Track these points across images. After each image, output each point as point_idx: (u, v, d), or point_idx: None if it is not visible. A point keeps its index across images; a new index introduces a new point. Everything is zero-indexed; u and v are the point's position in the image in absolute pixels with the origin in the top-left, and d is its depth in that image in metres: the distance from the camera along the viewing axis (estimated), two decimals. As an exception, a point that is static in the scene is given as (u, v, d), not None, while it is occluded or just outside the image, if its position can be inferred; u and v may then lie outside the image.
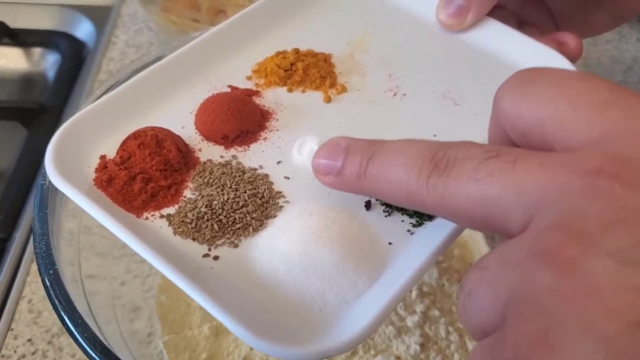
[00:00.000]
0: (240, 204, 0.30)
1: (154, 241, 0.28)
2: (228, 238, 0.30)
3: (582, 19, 0.42)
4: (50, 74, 0.71)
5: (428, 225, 0.30)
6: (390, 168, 0.24)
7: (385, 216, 0.30)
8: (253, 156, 0.34)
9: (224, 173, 0.32)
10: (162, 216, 0.31)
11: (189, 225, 0.30)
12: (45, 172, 0.36)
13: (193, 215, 0.30)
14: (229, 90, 0.37)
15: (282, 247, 0.28)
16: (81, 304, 0.35)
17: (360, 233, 0.29)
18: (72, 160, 0.32)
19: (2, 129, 0.64)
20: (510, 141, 0.24)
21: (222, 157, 0.34)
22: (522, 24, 0.42)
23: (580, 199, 0.18)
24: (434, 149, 0.23)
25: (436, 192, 0.22)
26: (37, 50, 0.74)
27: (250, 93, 0.37)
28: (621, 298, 0.16)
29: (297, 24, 0.41)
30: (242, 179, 0.32)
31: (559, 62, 0.36)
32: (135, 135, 0.33)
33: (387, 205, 0.31)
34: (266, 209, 0.31)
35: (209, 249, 0.29)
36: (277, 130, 0.35)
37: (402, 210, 0.30)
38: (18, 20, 0.73)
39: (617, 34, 0.72)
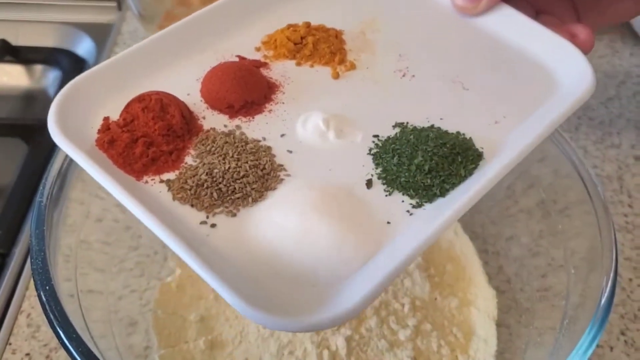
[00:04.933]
0: (241, 174, 0.31)
1: (152, 205, 0.28)
2: (227, 207, 0.30)
3: (606, 5, 0.41)
4: (52, 90, 0.73)
5: (428, 207, 0.30)
6: None
7: (386, 195, 0.30)
8: (257, 127, 0.34)
9: (226, 142, 0.32)
10: (161, 181, 0.31)
11: (188, 192, 0.30)
12: (43, 189, 0.37)
13: (193, 182, 0.30)
14: (237, 60, 0.37)
15: (279, 219, 0.29)
16: (77, 318, 0.36)
17: (359, 210, 0.29)
18: (75, 119, 0.32)
19: (3, 145, 0.64)
20: None
21: (225, 126, 0.34)
22: (540, 13, 0.41)
23: None
24: None
25: None
26: (38, 67, 0.75)
27: (258, 64, 0.37)
28: None
29: None
30: (244, 150, 0.32)
31: (571, 52, 0.35)
32: (140, 99, 0.33)
33: (388, 184, 0.31)
34: (267, 180, 0.31)
35: (207, 217, 0.29)
36: (283, 103, 0.35)
37: (404, 191, 0.30)
38: (20, 37, 0.75)
39: (610, 48, 0.72)
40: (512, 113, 0.34)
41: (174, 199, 0.30)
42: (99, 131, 0.32)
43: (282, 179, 0.31)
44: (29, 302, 0.49)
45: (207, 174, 0.30)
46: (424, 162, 0.30)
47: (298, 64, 0.38)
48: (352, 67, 0.37)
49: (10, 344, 0.46)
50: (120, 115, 0.33)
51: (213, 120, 0.34)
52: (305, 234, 0.28)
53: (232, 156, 0.31)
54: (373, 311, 0.42)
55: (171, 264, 0.49)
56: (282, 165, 0.32)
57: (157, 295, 0.46)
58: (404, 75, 0.37)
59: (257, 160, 0.31)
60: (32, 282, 0.50)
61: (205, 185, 0.30)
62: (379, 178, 0.31)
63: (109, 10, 0.79)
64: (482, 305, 0.45)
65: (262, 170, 0.31)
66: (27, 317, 0.48)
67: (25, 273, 0.51)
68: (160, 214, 0.28)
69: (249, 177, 0.31)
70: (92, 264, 0.44)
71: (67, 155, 0.41)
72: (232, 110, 0.34)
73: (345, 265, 0.27)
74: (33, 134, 0.63)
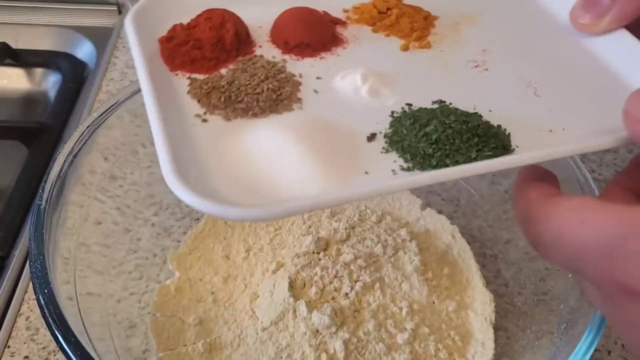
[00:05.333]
0: (256, 90, 0.32)
1: (164, 89, 0.32)
2: (227, 112, 0.32)
3: None
4: (52, 93, 0.73)
5: (417, 173, 0.29)
6: None
7: (381, 152, 0.30)
8: (300, 66, 0.35)
9: (263, 66, 0.34)
10: (189, 77, 0.34)
11: (203, 90, 0.32)
12: (42, 192, 0.37)
13: (211, 84, 0.33)
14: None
15: (260, 133, 0.30)
16: (76, 322, 0.36)
17: (342, 151, 0.30)
18: (150, 23, 0.35)
19: (3, 148, 0.64)
20: None
21: (273, 57, 0.35)
22: None
23: None
24: None
25: None
26: (38, 71, 0.75)
27: (335, 20, 0.38)
28: None
29: None
30: (273, 76, 0.33)
31: None
32: (208, 11, 0.36)
33: (390, 144, 0.30)
34: (277, 105, 0.32)
35: (204, 113, 0.32)
36: (339, 56, 0.36)
37: (401, 153, 0.30)
38: (21, 41, 0.75)
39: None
40: (574, 128, 0.31)
41: (188, 92, 0.33)
42: (167, 31, 0.35)
43: (292, 110, 0.32)
44: (28, 305, 0.49)
45: (227, 82, 0.33)
46: (434, 130, 0.29)
47: (374, 31, 0.38)
48: (427, 46, 0.37)
49: (9, 346, 0.46)
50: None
51: (266, 51, 0.36)
52: (275, 149, 0.29)
53: (259, 77, 0.33)
54: (371, 314, 0.42)
55: (170, 267, 0.49)
56: (300, 99, 0.33)
57: (156, 298, 0.46)
58: (476, 67, 0.36)
59: (278, 87, 0.33)
60: (31, 284, 0.50)
61: (220, 90, 0.32)
62: (385, 136, 0.31)
63: (109, 14, 0.80)
64: (479, 308, 0.45)
65: (278, 96, 0.33)
66: (26, 320, 0.48)
67: (25, 276, 0.51)
68: (167, 99, 0.31)
69: (262, 95, 0.32)
70: (91, 267, 0.44)
71: (66, 158, 0.41)
72: (286, 46, 0.36)
73: (298, 189, 0.27)
74: (33, 137, 0.63)
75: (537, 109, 0.33)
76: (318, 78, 0.34)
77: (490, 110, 0.32)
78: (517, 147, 0.30)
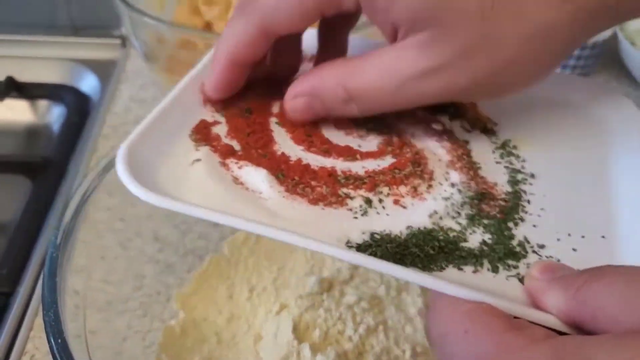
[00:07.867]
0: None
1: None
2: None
3: None
4: (56, 127, 0.74)
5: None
6: None
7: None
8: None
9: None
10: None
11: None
12: (55, 239, 0.38)
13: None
14: None
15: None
16: (84, 360, 0.36)
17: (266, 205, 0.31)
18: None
19: (7, 182, 0.65)
20: None
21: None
22: None
23: None
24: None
25: None
26: (43, 103, 0.76)
27: None
28: None
29: None
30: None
31: None
32: None
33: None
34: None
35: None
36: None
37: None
38: (25, 74, 0.76)
39: (603, 92, 0.74)
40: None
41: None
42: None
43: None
44: (33, 344, 0.49)
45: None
46: (410, 236, 0.30)
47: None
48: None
49: (13, 386, 0.47)
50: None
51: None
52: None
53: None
54: (374, 358, 0.43)
55: (174, 306, 0.49)
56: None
57: (161, 338, 0.47)
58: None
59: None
60: (36, 322, 0.51)
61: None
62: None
63: (113, 47, 0.81)
64: (480, 350, 0.46)
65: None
66: (31, 359, 0.48)
67: (30, 313, 0.51)
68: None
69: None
70: (95, 304, 0.44)
71: (79, 203, 0.42)
72: None
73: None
74: (37, 172, 0.64)
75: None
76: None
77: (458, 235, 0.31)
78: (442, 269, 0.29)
